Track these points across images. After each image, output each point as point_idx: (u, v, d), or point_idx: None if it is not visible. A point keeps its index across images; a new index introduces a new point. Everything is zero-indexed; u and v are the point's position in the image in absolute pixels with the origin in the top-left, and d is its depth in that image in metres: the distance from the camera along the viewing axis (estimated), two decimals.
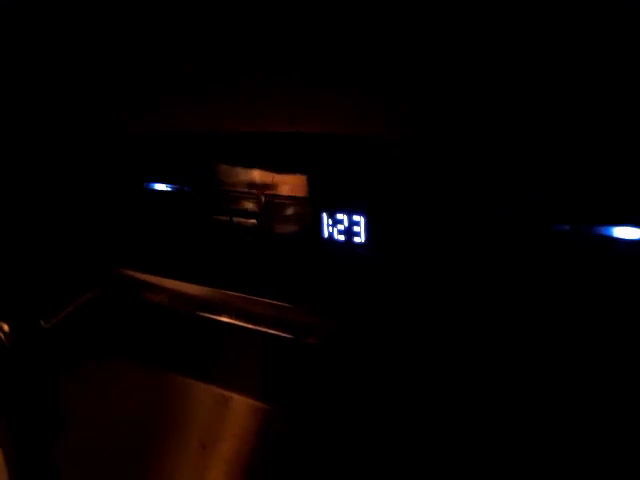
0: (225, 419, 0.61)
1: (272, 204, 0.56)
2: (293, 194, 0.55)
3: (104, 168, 0.69)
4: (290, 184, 0.55)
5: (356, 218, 0.52)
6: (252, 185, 0.57)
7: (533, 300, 0.45)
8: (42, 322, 0.70)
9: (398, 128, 0.44)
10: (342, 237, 0.54)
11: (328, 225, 0.54)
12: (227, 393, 0.61)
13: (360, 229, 0.52)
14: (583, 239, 0.41)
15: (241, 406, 0.61)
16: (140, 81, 0.56)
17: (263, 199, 0.57)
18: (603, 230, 0.40)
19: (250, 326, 0.62)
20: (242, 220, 0.59)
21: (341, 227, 0.54)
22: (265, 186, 0.56)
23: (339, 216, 0.53)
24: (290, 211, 0.56)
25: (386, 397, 0.53)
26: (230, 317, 0.63)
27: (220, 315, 0.64)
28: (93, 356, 0.71)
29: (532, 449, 0.43)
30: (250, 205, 0.58)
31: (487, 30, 0.34)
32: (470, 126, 0.40)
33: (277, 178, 0.55)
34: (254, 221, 0.59)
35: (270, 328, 0.60)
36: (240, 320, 0.63)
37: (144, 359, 0.68)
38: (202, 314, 0.65)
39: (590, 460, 0.40)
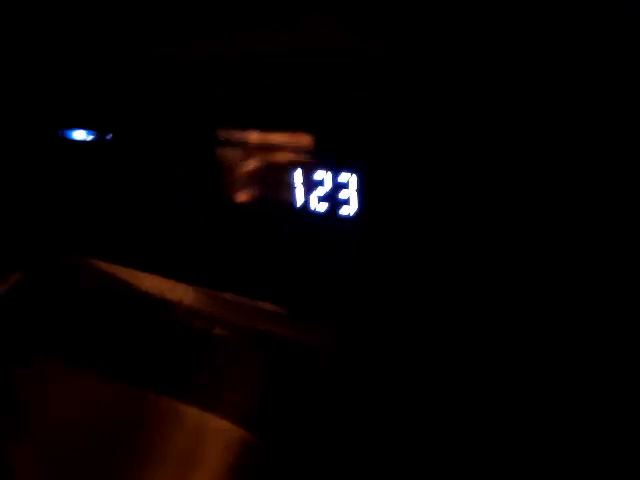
0: None
1: (221, 156, 0.38)
2: (250, 141, 0.37)
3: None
4: (246, 126, 0.37)
5: (344, 178, 0.35)
6: (193, 126, 0.39)
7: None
8: None
9: None
10: (323, 207, 0.36)
11: (303, 189, 0.37)
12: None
13: (349, 194, 0.35)
14: None
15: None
16: None
17: (208, 149, 0.39)
18: None
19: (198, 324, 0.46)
20: (182, 180, 0.42)
21: (322, 191, 0.36)
22: (210, 129, 0.38)
23: (319, 175, 0.36)
24: (246, 167, 0.38)
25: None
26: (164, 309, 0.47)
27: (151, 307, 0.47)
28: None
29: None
30: (191, 158, 0.40)
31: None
32: None
33: (227, 115, 0.37)
34: (199, 181, 0.41)
35: (226, 330, 0.44)
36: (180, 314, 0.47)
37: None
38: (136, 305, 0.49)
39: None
